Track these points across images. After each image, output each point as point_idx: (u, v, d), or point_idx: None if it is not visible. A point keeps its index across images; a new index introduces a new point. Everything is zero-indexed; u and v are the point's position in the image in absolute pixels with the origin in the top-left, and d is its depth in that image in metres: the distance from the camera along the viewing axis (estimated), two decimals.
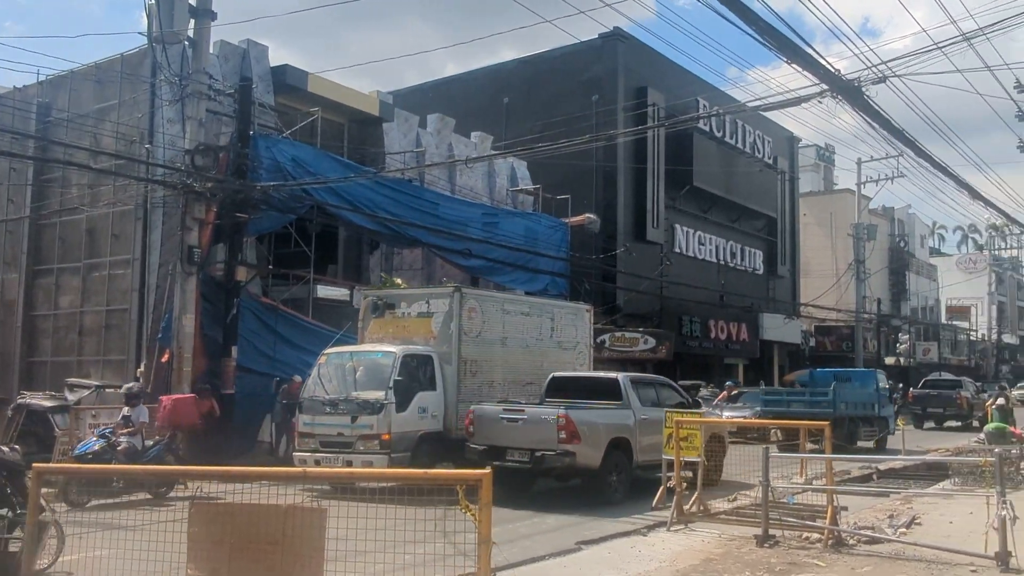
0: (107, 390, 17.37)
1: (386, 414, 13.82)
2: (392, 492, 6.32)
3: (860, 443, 22.61)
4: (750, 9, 8.24)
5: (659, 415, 13.27)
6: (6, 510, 7.76)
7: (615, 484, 13.48)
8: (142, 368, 18.03)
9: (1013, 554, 8.54)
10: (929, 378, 36.13)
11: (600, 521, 11.91)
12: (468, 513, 4.96)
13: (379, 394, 13.97)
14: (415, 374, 14.54)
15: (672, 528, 11.06)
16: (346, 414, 14.07)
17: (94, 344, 20.20)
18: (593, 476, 13.42)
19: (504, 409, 13.89)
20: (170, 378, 17.13)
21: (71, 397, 16.55)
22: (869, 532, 10.54)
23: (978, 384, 37.92)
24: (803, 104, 12.22)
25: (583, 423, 13.19)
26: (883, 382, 25.88)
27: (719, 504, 12.43)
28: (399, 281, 20.07)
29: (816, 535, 10.21)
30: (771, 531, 10.16)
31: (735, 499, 12.77)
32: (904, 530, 10.89)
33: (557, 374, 15.86)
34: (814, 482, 14.12)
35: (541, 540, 10.54)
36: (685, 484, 11.72)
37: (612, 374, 15.71)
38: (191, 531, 5.71)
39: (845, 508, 12.14)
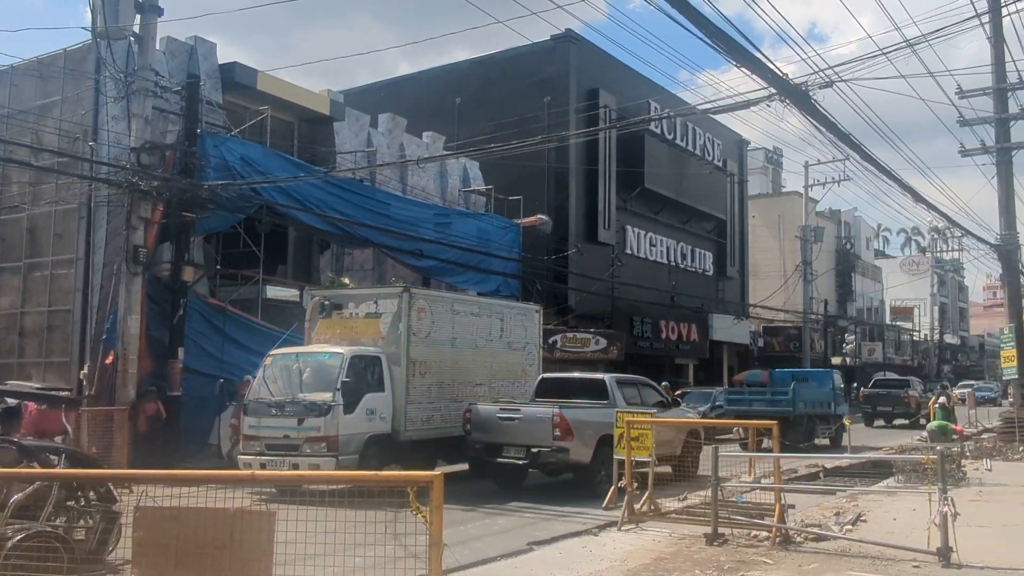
0: (49, 393, 16.96)
1: (333, 416, 13.56)
2: (340, 495, 6.25)
3: (817, 440, 23.55)
4: (700, 12, 8.32)
5: (631, 410, 14.07)
6: (72, 502, 8.31)
7: (603, 478, 13.81)
8: (85, 370, 17.66)
9: (954, 549, 8.74)
10: (879, 378, 37.77)
11: (551, 522, 11.95)
12: (419, 515, 4.92)
13: (326, 396, 13.70)
14: (363, 375, 14.28)
15: (623, 528, 11.12)
16: (292, 416, 13.77)
17: (36, 346, 19.71)
18: (584, 471, 14.31)
19: (501, 408, 14.83)
20: (115, 380, 16.81)
21: (11, 401, 16.10)
22: (816, 529, 10.69)
23: (925, 383, 39.28)
24: (752, 107, 12.43)
25: (575, 421, 14.14)
26: (839, 382, 27.25)
27: (670, 503, 12.51)
28: (347, 281, 19.64)
29: (764, 533, 10.32)
30: (720, 529, 10.26)
31: (685, 498, 12.87)
32: (850, 527, 11.08)
33: (547, 375, 16.98)
34: (762, 480, 14.31)
35: (492, 541, 10.53)
36: (636, 484, 11.79)
37: (599, 375, 16.59)
38: (136, 536, 5.57)
39: (792, 506, 12.31)
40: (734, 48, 9.13)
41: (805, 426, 22.61)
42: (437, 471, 5.00)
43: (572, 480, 14.86)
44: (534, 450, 13.94)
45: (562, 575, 8.82)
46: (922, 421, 29.85)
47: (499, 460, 14.30)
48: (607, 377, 16.00)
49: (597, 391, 15.44)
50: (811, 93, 10.99)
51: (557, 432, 13.85)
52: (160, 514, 5.61)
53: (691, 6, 8.15)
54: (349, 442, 13.68)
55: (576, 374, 18.06)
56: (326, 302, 15.83)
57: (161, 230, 17.54)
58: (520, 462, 14.18)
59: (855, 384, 45.93)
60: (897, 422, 32.89)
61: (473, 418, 14.67)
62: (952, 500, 8.87)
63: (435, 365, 15.54)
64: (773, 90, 10.69)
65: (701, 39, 8.61)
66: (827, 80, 10.92)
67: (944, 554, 8.74)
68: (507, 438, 14.22)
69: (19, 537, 7.00)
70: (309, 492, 9.97)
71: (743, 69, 9.78)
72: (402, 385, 14.73)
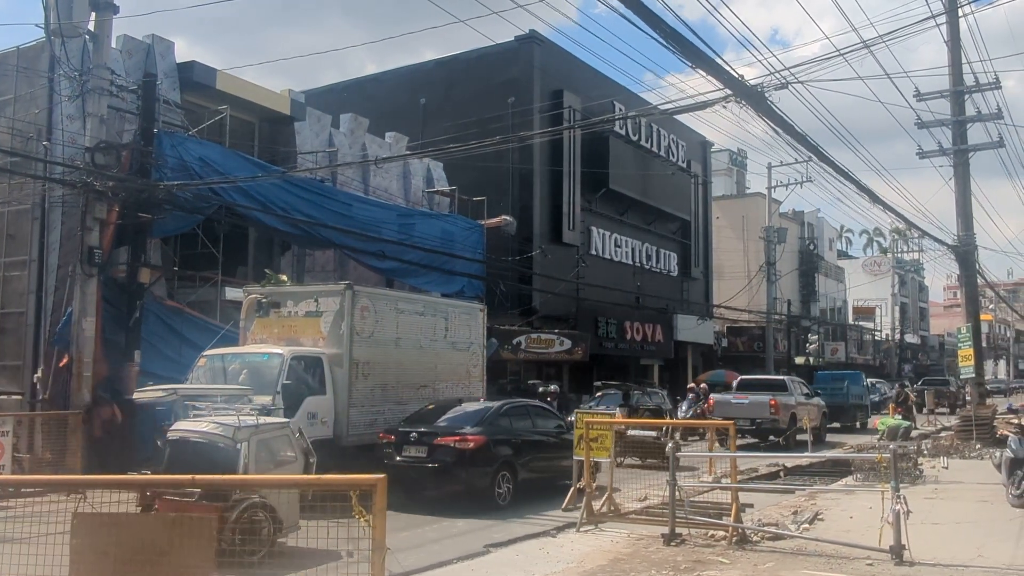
0: (0, 397, 16.63)
1: None
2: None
3: (858, 424, 30.98)
4: (654, 13, 8.29)
5: (802, 399, 24.91)
6: None
7: (790, 438, 21.84)
8: (39, 373, 17.33)
9: (906, 547, 8.82)
10: (927, 377, 48.75)
11: (510, 524, 11.91)
12: (361, 519, 4.85)
13: (266, 399, 12.93)
14: (304, 377, 13.68)
15: (582, 529, 11.11)
16: None
17: None
18: (783, 433, 22.14)
19: (734, 396, 24.19)
20: (69, 383, 16.51)
21: None
22: (773, 528, 10.75)
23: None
24: (713, 108, 12.38)
25: (780, 404, 23.25)
26: (866, 380, 35.57)
27: (630, 504, 12.54)
28: (284, 278, 18.65)
29: (722, 533, 10.37)
30: (678, 529, 10.29)
31: (646, 499, 12.88)
32: (807, 526, 11.15)
33: (744, 377, 26.79)
34: (723, 480, 14.36)
35: (449, 544, 10.48)
36: (595, 485, 11.80)
37: (781, 377, 27.66)
38: (74, 543, 5.45)
39: (751, 505, 12.42)
40: (689, 49, 9.11)
41: (851, 412, 30.76)
42: (380, 475, 4.92)
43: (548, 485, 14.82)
44: (757, 420, 23.01)
45: None
46: (959, 411, 37.28)
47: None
48: (786, 378, 26.37)
49: (780, 387, 24.66)
50: (767, 94, 11.05)
51: (772, 410, 23.01)
52: (98, 520, 5.49)
53: (644, 6, 8.14)
54: None
55: (764, 376, 29.38)
56: (263, 300, 15.22)
57: (117, 231, 17.22)
58: (749, 427, 22.43)
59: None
60: (940, 411, 39.25)
61: (716, 404, 23.99)
62: (904, 498, 8.96)
63: (379, 366, 14.98)
64: (729, 91, 10.73)
65: (656, 40, 8.61)
66: (783, 81, 10.98)
67: (897, 551, 8.83)
68: (739, 414, 22.21)
69: None
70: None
71: (699, 71, 9.80)
72: (344, 387, 14.17)
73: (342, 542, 5.89)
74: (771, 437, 23.10)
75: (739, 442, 20.31)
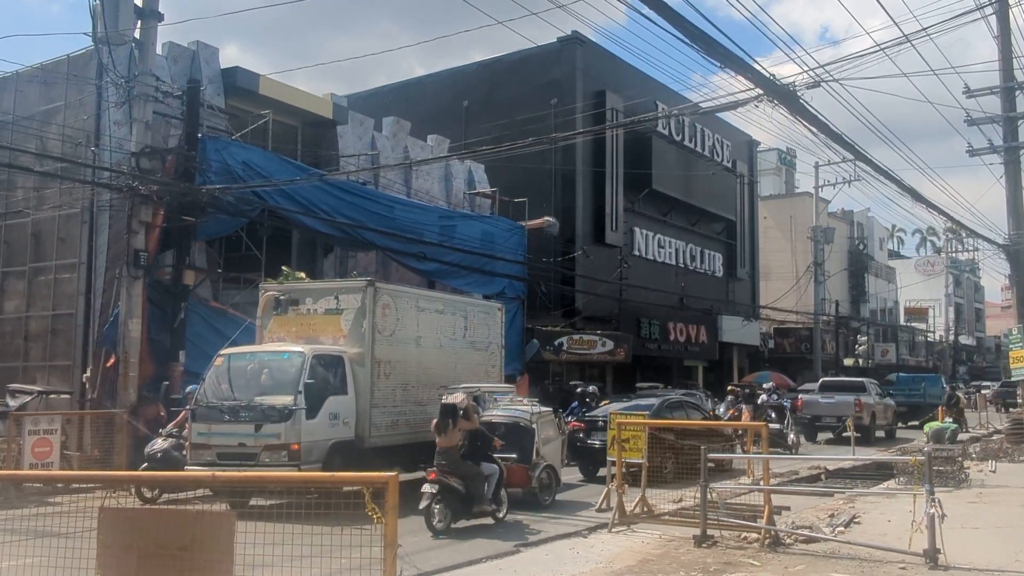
0: (51, 396, 17.08)
1: (295, 421, 12.41)
2: (298, 507, 6.23)
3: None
4: (677, 12, 8.21)
5: (877, 399, 27.36)
6: None
7: (870, 433, 25.69)
8: (88, 373, 17.77)
9: (941, 551, 8.67)
10: (1007, 380, 47.06)
11: (543, 523, 11.93)
12: (375, 517, 4.92)
13: (287, 399, 12.51)
14: (325, 377, 13.21)
15: (614, 529, 11.09)
16: (249, 422, 12.56)
17: (40, 349, 19.84)
18: (867, 428, 25.45)
19: (822, 396, 26.75)
20: (116, 383, 16.91)
21: (12, 403, 16.19)
22: (806, 531, 10.61)
23: None
24: (758, 108, 12.24)
25: (863, 403, 25.88)
26: (944, 383, 37.39)
27: (664, 505, 12.46)
28: (302, 275, 17.85)
29: (754, 535, 10.26)
30: (710, 531, 10.21)
31: (681, 500, 12.80)
32: (842, 529, 10.99)
33: (825, 379, 30.98)
34: (761, 483, 14.22)
35: (481, 543, 10.53)
36: (626, 485, 11.76)
37: (860, 379, 29.35)
38: (100, 537, 5.60)
39: (787, 508, 12.28)
40: (715, 49, 9.05)
41: (927, 411, 31.17)
42: (393, 472, 4.98)
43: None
44: (844, 418, 23.69)
45: None
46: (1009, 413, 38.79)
47: (817, 424, 26.20)
48: (864, 380, 28.82)
49: (860, 387, 27.14)
50: (799, 93, 10.91)
51: (857, 408, 25.22)
52: (123, 515, 5.65)
53: (667, 6, 8.08)
54: (312, 450, 12.55)
55: (845, 378, 31.28)
56: (281, 297, 14.81)
57: (163, 234, 17.59)
58: (835, 424, 25.19)
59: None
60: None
61: (804, 403, 26.43)
62: (939, 502, 8.79)
63: (400, 365, 14.53)
64: (760, 91, 10.62)
65: (681, 39, 8.56)
66: (815, 79, 10.84)
67: (931, 555, 8.67)
68: (825, 411, 26.15)
69: None
70: (260, 505, 9.65)
71: (728, 70, 9.73)
72: (366, 387, 13.71)
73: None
74: (844, 433, 23.98)
75: (822, 436, 26.57)
